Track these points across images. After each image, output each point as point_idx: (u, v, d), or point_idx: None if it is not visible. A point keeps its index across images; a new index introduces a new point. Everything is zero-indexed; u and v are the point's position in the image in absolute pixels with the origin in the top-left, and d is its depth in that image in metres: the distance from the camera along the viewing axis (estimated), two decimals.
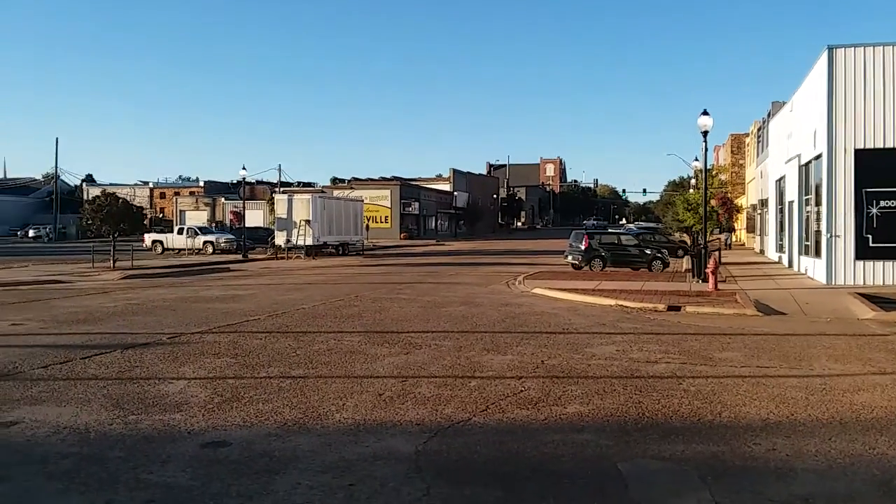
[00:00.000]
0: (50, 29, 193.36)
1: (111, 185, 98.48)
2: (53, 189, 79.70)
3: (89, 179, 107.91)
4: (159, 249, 45.09)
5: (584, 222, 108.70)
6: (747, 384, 8.51)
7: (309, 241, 39.71)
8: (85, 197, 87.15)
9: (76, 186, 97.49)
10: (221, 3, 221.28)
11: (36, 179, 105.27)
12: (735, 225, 52.31)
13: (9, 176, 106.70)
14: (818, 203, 22.24)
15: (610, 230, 39.51)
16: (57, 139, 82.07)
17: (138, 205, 41.39)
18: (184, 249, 44.17)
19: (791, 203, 27.28)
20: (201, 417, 6.99)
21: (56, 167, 78.08)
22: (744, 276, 24.10)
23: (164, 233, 50.04)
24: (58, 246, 59.17)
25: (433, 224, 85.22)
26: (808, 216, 24.34)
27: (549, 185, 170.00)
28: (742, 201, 51.57)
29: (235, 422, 6.86)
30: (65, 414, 7.09)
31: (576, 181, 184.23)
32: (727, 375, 9.06)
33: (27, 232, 78.13)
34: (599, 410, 7.31)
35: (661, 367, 9.51)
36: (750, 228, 49.11)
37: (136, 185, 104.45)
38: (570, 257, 29.12)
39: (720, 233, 42.42)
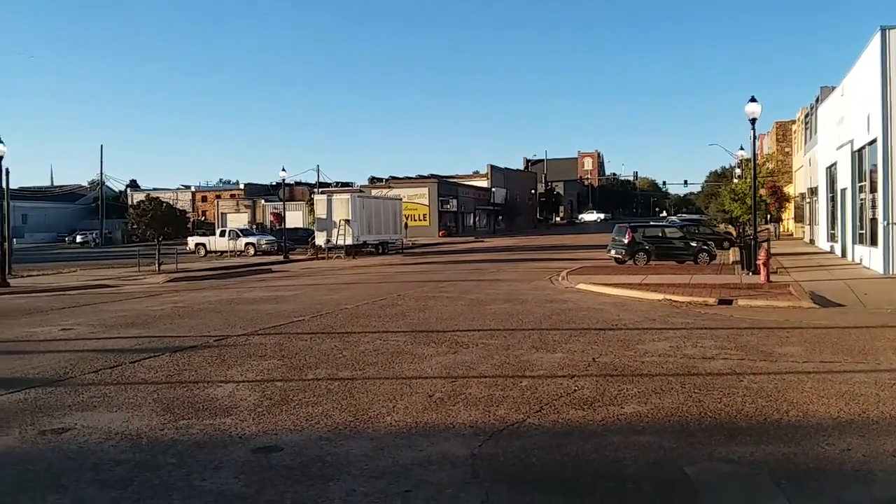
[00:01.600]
0: (93, 38, 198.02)
1: (154, 189, 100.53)
2: (99, 195, 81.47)
3: (133, 185, 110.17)
4: (202, 252, 45.77)
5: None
6: (812, 380, 8.14)
7: (349, 241, 39.85)
8: (130, 202, 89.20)
9: (121, 192, 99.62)
10: (257, 10, 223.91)
11: (82, 186, 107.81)
12: (782, 215, 51.05)
13: (56, 183, 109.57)
14: (873, 190, 21.46)
15: (652, 223, 38.86)
16: (102, 146, 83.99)
17: (181, 208, 42.12)
18: (226, 252, 44.77)
19: (843, 190, 26.40)
20: (251, 421, 6.91)
21: (101, 173, 79.79)
22: (795, 267, 23.39)
23: (207, 235, 50.82)
24: (104, 251, 60.45)
25: (471, 221, 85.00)
26: (862, 203, 23.52)
27: (587, 178, 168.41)
28: (789, 190, 50.26)
29: (286, 426, 6.76)
30: (116, 419, 7.08)
31: (615, 174, 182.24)
32: (790, 371, 8.68)
33: (74, 237, 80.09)
34: (659, 410, 7.03)
35: (719, 364, 9.17)
36: (798, 218, 47.82)
37: (178, 189, 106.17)
38: (613, 251, 28.68)
39: (767, 223, 41.38)
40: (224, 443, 6.29)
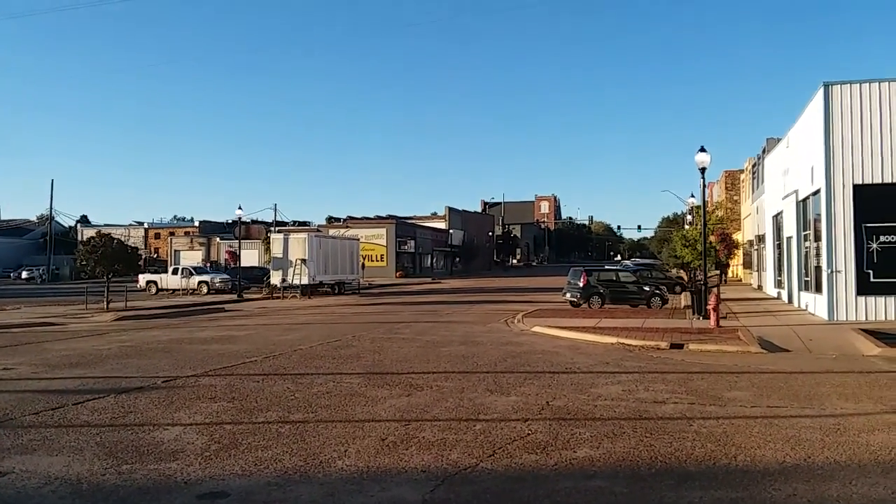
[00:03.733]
0: (43, 68, 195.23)
1: (106, 226, 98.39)
2: (48, 230, 79.49)
3: (84, 221, 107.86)
4: (154, 290, 44.84)
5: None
6: (760, 425, 8.28)
7: (305, 281, 39.49)
8: (80, 238, 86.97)
9: (70, 227, 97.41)
10: (212, 44, 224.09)
11: (30, 221, 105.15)
12: (731, 261, 52.32)
13: (3, 217, 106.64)
14: (817, 238, 22.19)
15: (606, 267, 39.55)
16: (52, 181, 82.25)
17: (133, 245, 41.21)
18: (178, 290, 43.94)
19: (789, 238, 27.25)
20: (198, 466, 6.72)
21: (51, 208, 78.21)
22: (744, 313, 23.93)
23: (159, 273, 49.82)
24: (51, 287, 58.75)
25: (429, 262, 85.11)
26: (807, 252, 24.29)
27: (544, 222, 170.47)
28: (738, 237, 51.65)
29: (234, 470, 6.59)
30: (56, 464, 6.82)
31: (571, 218, 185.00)
32: (738, 416, 8.82)
33: (20, 273, 77.76)
34: (610, 454, 7.06)
35: (670, 408, 9.28)
36: (747, 264, 49.10)
37: (130, 225, 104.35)
38: (568, 294, 28.96)
39: (718, 269, 42.36)
40: (168, 489, 6.10)
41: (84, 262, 31.36)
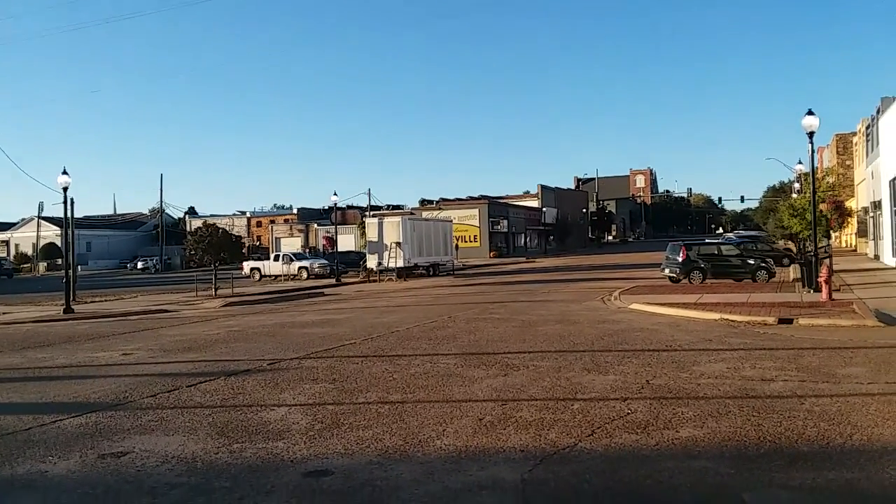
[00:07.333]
0: (153, 72, 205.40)
1: (211, 216, 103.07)
2: (159, 222, 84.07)
3: (191, 212, 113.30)
4: (257, 276, 46.62)
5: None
6: (877, 403, 7.81)
7: (400, 264, 40.10)
8: (188, 229, 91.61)
9: (179, 219, 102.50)
10: (306, 35, 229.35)
11: (143, 214, 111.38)
12: (843, 230, 49.47)
13: (118, 211, 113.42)
14: None
15: (707, 240, 38.09)
16: (162, 175, 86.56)
17: (237, 234, 43.02)
18: (280, 276, 45.51)
19: None
20: (303, 445, 6.96)
21: (161, 201, 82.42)
22: (859, 284, 22.57)
23: (261, 260, 51.77)
24: (164, 276, 62.12)
25: (522, 241, 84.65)
26: None
27: (639, 196, 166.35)
28: (852, 204, 48.69)
29: (337, 449, 6.79)
30: (172, 443, 7.22)
31: (668, 191, 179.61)
32: (854, 394, 8.34)
33: (136, 264, 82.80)
34: (715, 434, 6.83)
35: (779, 386, 8.87)
36: (861, 233, 46.22)
37: (234, 215, 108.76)
38: (667, 270, 28.13)
39: (829, 238, 40.14)
40: (276, 467, 6.35)
41: (193, 252, 33.10)
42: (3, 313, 25.84)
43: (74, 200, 28.34)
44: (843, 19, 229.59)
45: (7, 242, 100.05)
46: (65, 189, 25.88)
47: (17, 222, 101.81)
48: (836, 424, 7.00)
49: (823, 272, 18.61)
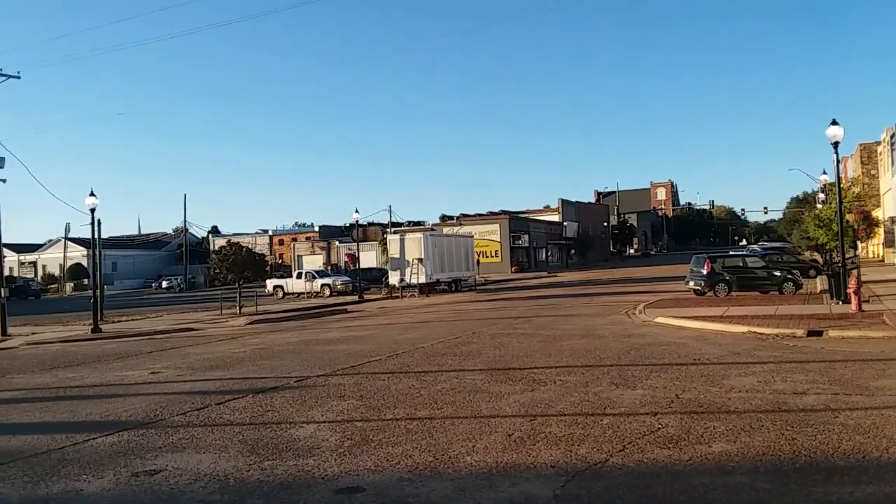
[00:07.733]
0: (175, 93, 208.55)
1: (234, 234, 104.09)
2: (183, 242, 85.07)
3: (214, 231, 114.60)
4: (280, 294, 46.94)
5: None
6: None
7: (422, 280, 40.19)
8: (211, 248, 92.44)
9: (203, 238, 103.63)
10: (329, 55, 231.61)
11: (167, 234, 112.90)
12: (870, 240, 48.78)
13: (143, 231, 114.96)
14: None
15: (731, 252, 37.74)
16: (185, 195, 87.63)
17: (260, 252, 43.34)
18: (303, 293, 45.80)
19: None
20: (333, 462, 6.98)
21: (185, 221, 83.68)
22: (888, 295, 22.22)
23: (284, 278, 52.14)
24: (188, 295, 62.76)
25: (543, 255, 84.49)
26: None
27: (661, 209, 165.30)
28: (878, 214, 48.04)
29: (367, 466, 6.79)
30: (204, 461, 7.27)
31: (690, 203, 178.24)
32: (888, 406, 8.21)
33: (160, 283, 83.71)
34: (749, 449, 6.74)
35: (811, 399, 8.75)
36: (888, 243, 45.57)
37: (256, 233, 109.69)
38: (691, 283, 27.92)
39: (856, 249, 39.60)
40: (307, 484, 6.37)
41: (217, 270, 33.32)
42: (32, 333, 26.24)
43: (101, 221, 28.77)
44: (866, 28, 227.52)
45: (34, 263, 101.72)
46: (92, 210, 26.29)
47: (45, 243, 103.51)
48: (872, 437, 6.89)
49: (852, 283, 18.37)
